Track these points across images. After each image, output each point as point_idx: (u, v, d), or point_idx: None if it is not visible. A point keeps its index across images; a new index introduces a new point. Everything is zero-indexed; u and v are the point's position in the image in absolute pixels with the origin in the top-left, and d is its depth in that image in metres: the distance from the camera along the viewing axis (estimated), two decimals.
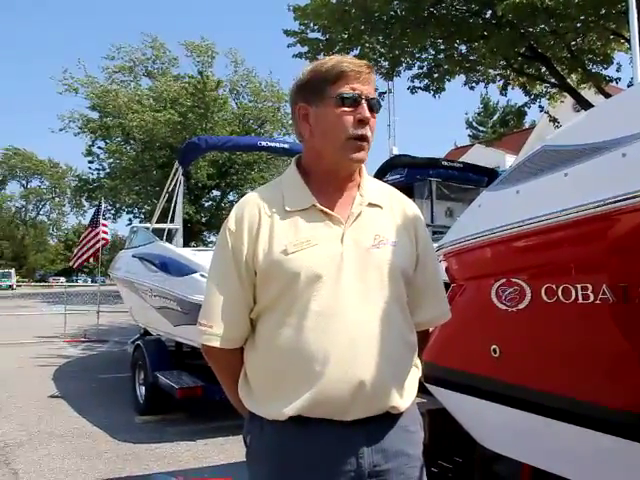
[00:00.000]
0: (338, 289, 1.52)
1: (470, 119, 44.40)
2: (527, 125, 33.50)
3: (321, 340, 1.49)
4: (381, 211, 1.66)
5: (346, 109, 1.56)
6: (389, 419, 1.59)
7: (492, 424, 2.41)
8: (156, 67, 29.10)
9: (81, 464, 5.18)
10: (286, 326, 1.53)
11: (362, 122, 1.58)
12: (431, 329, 2.47)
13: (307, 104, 1.62)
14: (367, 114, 1.58)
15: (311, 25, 13.78)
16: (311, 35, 14.03)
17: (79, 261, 15.82)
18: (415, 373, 1.69)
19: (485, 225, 2.24)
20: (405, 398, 1.61)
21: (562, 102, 15.29)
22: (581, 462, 2.05)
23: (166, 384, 6.24)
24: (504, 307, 2.17)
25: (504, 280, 2.16)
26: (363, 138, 1.58)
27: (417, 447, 1.66)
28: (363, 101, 1.58)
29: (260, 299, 1.60)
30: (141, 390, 7.00)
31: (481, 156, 23.01)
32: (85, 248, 15.48)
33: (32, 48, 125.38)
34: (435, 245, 2.75)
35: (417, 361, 1.72)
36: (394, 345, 1.57)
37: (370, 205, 1.64)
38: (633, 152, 1.73)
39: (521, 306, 2.10)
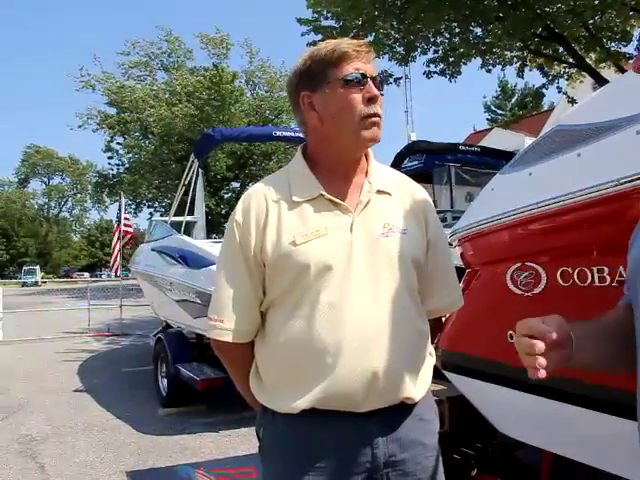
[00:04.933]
0: (348, 279, 1.50)
1: (488, 103, 43.94)
2: (546, 107, 33.12)
3: (332, 332, 1.47)
4: (390, 198, 1.63)
5: (353, 89, 1.54)
6: (404, 409, 1.57)
7: (510, 411, 2.37)
8: (171, 61, 29.16)
9: (105, 456, 5.25)
10: (297, 318, 1.51)
11: (372, 100, 1.56)
12: (447, 315, 2.46)
13: (311, 91, 1.59)
14: (375, 91, 1.56)
15: (324, 12, 13.69)
16: (325, 23, 13.94)
17: (115, 263, 15.86)
18: (429, 361, 1.66)
19: (498, 209, 2.20)
20: (419, 388, 1.59)
21: (581, 82, 15.03)
22: (602, 448, 2.01)
23: (187, 376, 6.29)
24: (519, 292, 2.13)
25: (519, 264, 2.12)
26: (376, 115, 1.56)
27: (432, 436, 1.64)
28: (369, 79, 1.56)
29: (270, 291, 1.58)
30: (163, 382, 7.06)
31: (500, 140, 22.73)
32: (114, 247, 15.66)
33: (52, 46, 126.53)
34: (450, 230, 2.72)
35: (431, 349, 1.70)
36: (406, 334, 1.55)
37: (378, 192, 1.61)
38: None
39: (537, 290, 2.06)
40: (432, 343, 1.71)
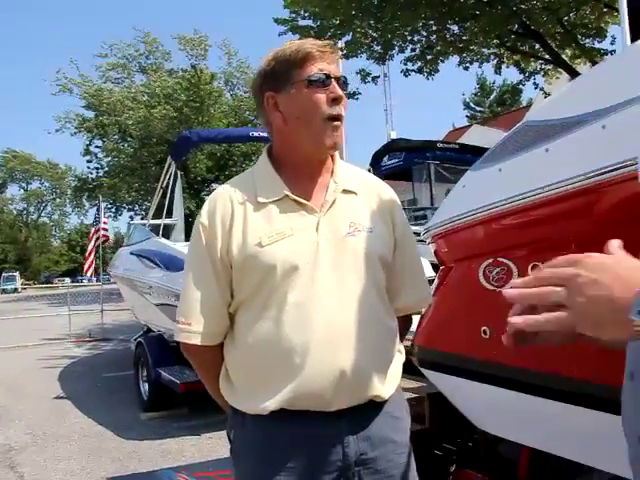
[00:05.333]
0: (315, 279, 1.49)
1: (467, 100, 44.12)
2: (525, 103, 33.36)
3: (300, 332, 1.47)
4: (356, 197, 1.63)
5: (318, 90, 1.53)
6: (373, 407, 1.57)
7: (486, 406, 2.38)
8: (149, 62, 29.01)
9: (87, 464, 5.21)
10: (265, 319, 1.50)
11: (336, 100, 1.55)
12: (423, 312, 2.46)
13: (275, 92, 1.58)
14: (340, 92, 1.55)
15: (302, 12, 13.69)
16: (302, 22, 13.94)
17: (91, 268, 15.93)
18: (398, 359, 1.67)
19: (469, 205, 2.20)
20: (388, 385, 1.59)
21: (558, 78, 15.17)
22: (579, 442, 2.02)
23: (168, 379, 6.25)
24: (492, 287, 2.13)
25: (490, 260, 2.12)
26: (339, 117, 1.56)
27: (404, 433, 1.64)
28: (333, 80, 1.55)
29: (237, 293, 1.58)
30: (145, 387, 7.01)
31: (479, 136, 22.85)
32: (91, 251, 15.65)
33: (27, 49, 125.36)
34: (424, 227, 2.72)
35: (401, 347, 1.70)
36: (374, 332, 1.54)
37: (344, 192, 1.61)
38: (612, 124, 1.69)
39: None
40: (401, 341, 1.71)
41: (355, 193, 1.63)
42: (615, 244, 0.92)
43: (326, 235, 1.52)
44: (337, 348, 1.47)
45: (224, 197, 1.60)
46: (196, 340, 1.58)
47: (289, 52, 1.56)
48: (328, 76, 1.54)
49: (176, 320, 1.63)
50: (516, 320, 0.83)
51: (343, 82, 1.58)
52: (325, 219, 1.54)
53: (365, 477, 1.52)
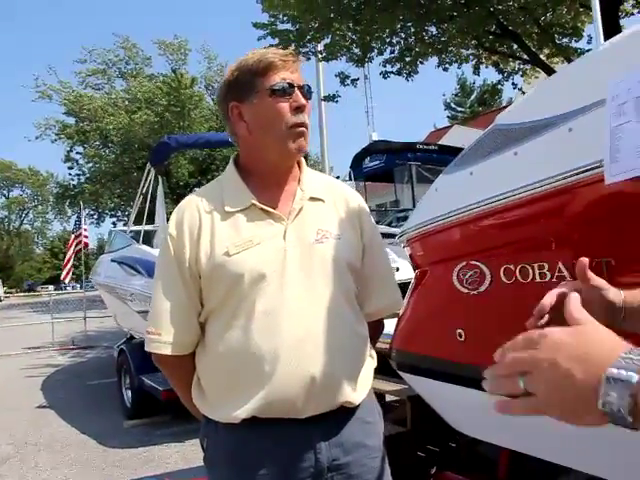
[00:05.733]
0: (283, 287, 1.50)
1: (448, 100, 44.28)
2: (505, 103, 33.55)
3: (269, 340, 1.47)
4: (323, 205, 1.64)
5: (281, 99, 1.54)
6: (345, 412, 1.57)
7: (463, 408, 2.39)
8: (129, 68, 28.85)
9: (69, 474, 5.17)
10: (234, 328, 1.51)
11: (299, 109, 1.56)
12: (400, 313, 2.47)
13: (239, 102, 1.59)
14: (303, 101, 1.57)
15: (280, 16, 13.67)
16: (281, 26, 13.92)
17: (69, 275, 15.96)
18: (369, 364, 1.67)
19: (441, 209, 2.21)
20: (359, 391, 1.60)
21: (536, 78, 15.28)
22: (555, 443, 2.04)
23: (151, 387, 6.21)
24: (465, 290, 2.15)
25: (464, 263, 2.13)
26: (303, 125, 1.57)
27: (376, 438, 1.65)
28: (296, 89, 1.56)
29: (207, 302, 1.58)
30: (127, 394, 6.97)
31: (460, 137, 22.91)
32: (70, 258, 15.62)
33: (5, 55, 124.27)
34: (400, 231, 2.73)
35: (372, 352, 1.71)
36: (343, 338, 1.55)
37: (311, 199, 1.62)
38: (579, 127, 1.71)
39: (482, 288, 2.07)
40: (373, 346, 1.72)
41: (322, 200, 1.64)
42: (575, 303, 0.86)
43: (293, 243, 1.53)
44: (306, 355, 1.47)
45: (191, 207, 1.61)
46: (166, 350, 1.58)
47: (252, 62, 1.57)
48: (291, 85, 1.55)
49: (146, 330, 1.63)
50: (498, 405, 0.81)
51: (307, 90, 1.59)
52: (292, 227, 1.55)
53: None
